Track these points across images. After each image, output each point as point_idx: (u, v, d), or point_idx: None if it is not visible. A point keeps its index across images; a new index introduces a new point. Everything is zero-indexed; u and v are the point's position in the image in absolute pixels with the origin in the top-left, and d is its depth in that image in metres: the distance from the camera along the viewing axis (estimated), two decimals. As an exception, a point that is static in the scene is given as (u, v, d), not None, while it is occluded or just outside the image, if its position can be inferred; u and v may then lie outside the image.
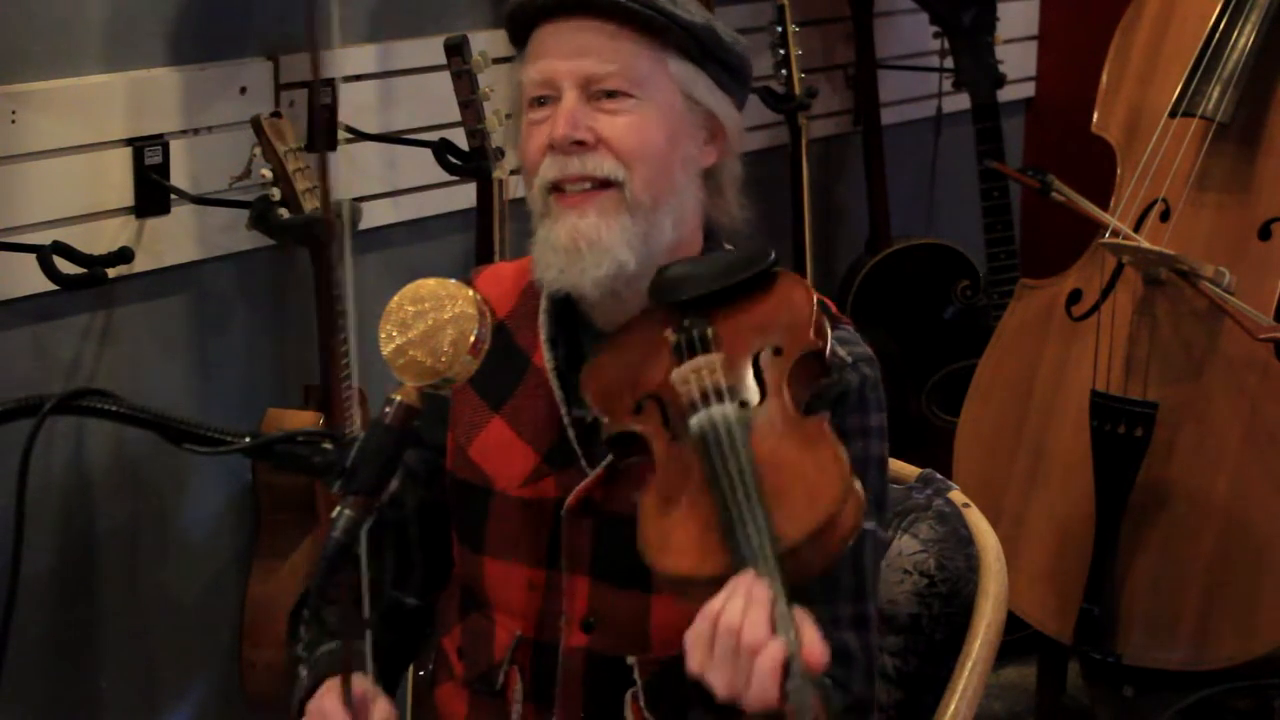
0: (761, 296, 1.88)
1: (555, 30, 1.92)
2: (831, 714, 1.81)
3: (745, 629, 1.59)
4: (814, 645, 1.59)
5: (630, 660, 1.90)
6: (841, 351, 1.90)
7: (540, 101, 1.92)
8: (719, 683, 1.61)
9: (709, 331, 1.84)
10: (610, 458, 1.87)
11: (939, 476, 2.21)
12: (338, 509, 1.72)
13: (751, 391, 1.79)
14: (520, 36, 1.97)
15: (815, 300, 1.87)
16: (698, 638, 1.63)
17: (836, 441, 1.73)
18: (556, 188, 1.90)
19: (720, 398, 1.75)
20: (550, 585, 1.93)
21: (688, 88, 1.93)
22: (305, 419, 2.89)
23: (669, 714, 1.89)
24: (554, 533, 1.93)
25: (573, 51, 1.90)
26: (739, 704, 1.61)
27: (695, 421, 1.74)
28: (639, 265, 1.89)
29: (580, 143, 1.88)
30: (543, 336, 1.97)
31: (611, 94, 1.90)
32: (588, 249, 1.87)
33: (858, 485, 1.69)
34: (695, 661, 1.63)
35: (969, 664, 2.05)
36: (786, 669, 1.57)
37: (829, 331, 1.86)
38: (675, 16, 1.92)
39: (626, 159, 1.88)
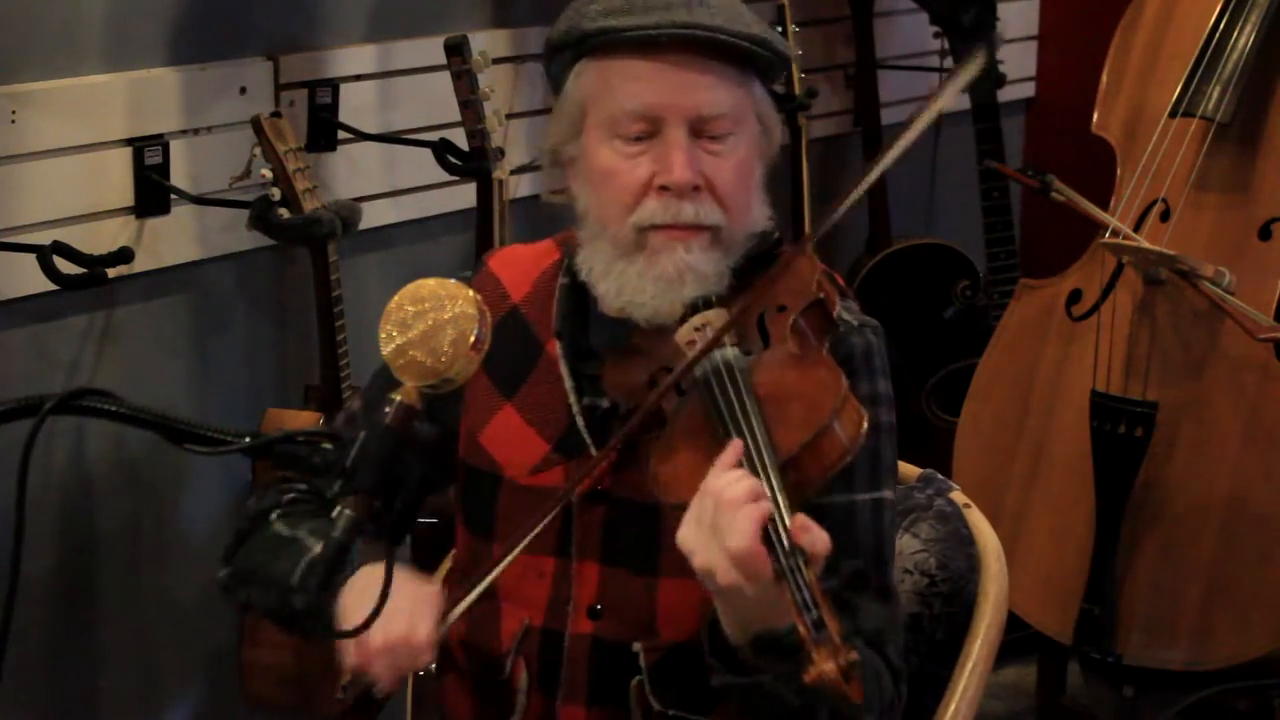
0: (767, 272, 1.91)
1: (660, 62, 1.88)
2: (869, 674, 1.81)
3: (725, 488, 1.66)
4: (807, 525, 1.63)
5: (636, 647, 1.91)
6: (848, 316, 1.93)
7: (637, 136, 1.89)
8: (700, 547, 1.67)
9: (713, 296, 1.88)
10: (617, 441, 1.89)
11: (940, 476, 2.21)
12: (338, 509, 1.72)
13: (754, 342, 1.83)
14: (584, 53, 1.93)
15: (819, 267, 1.91)
16: (691, 513, 1.70)
17: (834, 364, 1.78)
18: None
19: (722, 344, 1.80)
20: (559, 573, 1.94)
21: (761, 109, 1.95)
22: (305, 419, 2.89)
23: (674, 701, 1.90)
24: (564, 521, 1.93)
25: (681, 88, 1.88)
26: (733, 587, 1.65)
27: (699, 368, 1.78)
28: None
29: (695, 187, 1.88)
30: (554, 326, 1.99)
31: (716, 135, 1.89)
32: (691, 279, 1.88)
33: (855, 404, 1.75)
34: (686, 536, 1.69)
35: (969, 664, 2.05)
36: (779, 545, 1.62)
37: (835, 292, 1.89)
38: (781, 52, 1.93)
39: (727, 203, 1.89)
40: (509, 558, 1.84)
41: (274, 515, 2.03)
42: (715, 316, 1.85)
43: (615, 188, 1.90)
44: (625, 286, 1.90)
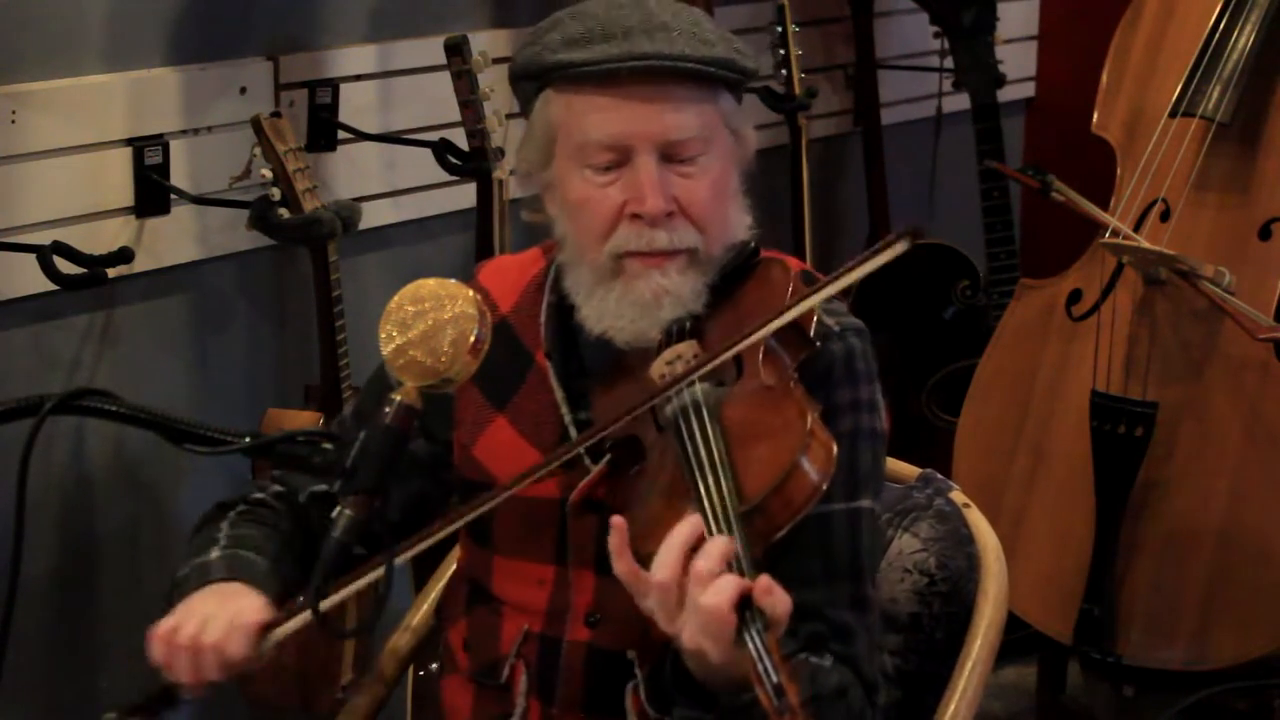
0: (744, 284, 1.91)
1: (623, 93, 1.87)
2: (829, 691, 1.82)
3: (698, 567, 1.64)
4: (770, 588, 1.62)
5: (631, 654, 1.91)
6: (829, 320, 1.91)
7: (607, 165, 1.88)
8: (678, 628, 1.67)
9: (687, 324, 1.87)
10: (609, 455, 1.89)
11: (939, 476, 2.21)
12: (338, 509, 1.72)
13: (728, 369, 1.82)
14: (547, 84, 1.92)
15: (793, 276, 1.89)
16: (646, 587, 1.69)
17: (803, 398, 1.77)
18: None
19: (692, 382, 1.78)
20: (559, 581, 1.95)
21: (731, 122, 1.94)
22: (305, 419, 2.89)
23: (669, 710, 1.89)
24: (560, 530, 1.94)
25: (647, 117, 1.87)
26: (697, 650, 1.65)
27: (669, 406, 1.78)
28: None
29: (669, 213, 1.88)
30: (544, 347, 1.99)
31: (686, 158, 1.89)
32: (669, 303, 1.88)
33: (824, 437, 1.73)
34: (661, 619, 1.69)
35: (969, 664, 2.05)
36: (742, 611, 1.61)
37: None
38: (746, 70, 1.92)
39: (703, 224, 1.89)
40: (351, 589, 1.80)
41: (232, 513, 2.05)
42: (687, 349, 1.84)
43: (588, 216, 1.90)
44: (605, 313, 1.91)
